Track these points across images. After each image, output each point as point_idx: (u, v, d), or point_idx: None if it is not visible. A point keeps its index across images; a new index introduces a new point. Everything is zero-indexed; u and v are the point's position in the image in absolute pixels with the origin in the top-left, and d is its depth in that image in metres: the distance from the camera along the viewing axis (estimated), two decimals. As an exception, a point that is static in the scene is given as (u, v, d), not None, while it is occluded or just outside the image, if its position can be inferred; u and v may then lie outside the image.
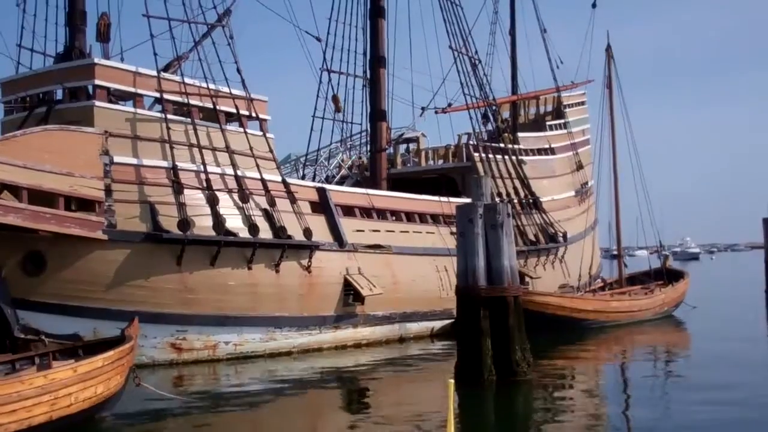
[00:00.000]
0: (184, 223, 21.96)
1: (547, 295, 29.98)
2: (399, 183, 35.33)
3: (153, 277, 21.71)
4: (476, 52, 38.39)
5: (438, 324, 29.45)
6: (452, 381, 11.52)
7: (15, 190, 19.28)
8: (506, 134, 38.28)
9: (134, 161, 22.07)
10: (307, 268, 25.01)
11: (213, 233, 22.59)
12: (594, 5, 43.55)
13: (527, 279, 32.49)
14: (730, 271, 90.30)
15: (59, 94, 22.81)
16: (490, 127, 39.21)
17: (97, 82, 22.08)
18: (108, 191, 21.16)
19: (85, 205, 20.74)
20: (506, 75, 46.79)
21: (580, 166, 46.75)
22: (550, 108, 49.55)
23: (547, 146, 44.11)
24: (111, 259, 21.11)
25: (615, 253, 38.76)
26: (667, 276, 38.15)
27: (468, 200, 24.83)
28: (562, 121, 47.64)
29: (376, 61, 34.72)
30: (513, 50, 47.00)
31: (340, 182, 35.70)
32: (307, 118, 35.06)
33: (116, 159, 21.57)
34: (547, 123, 47.24)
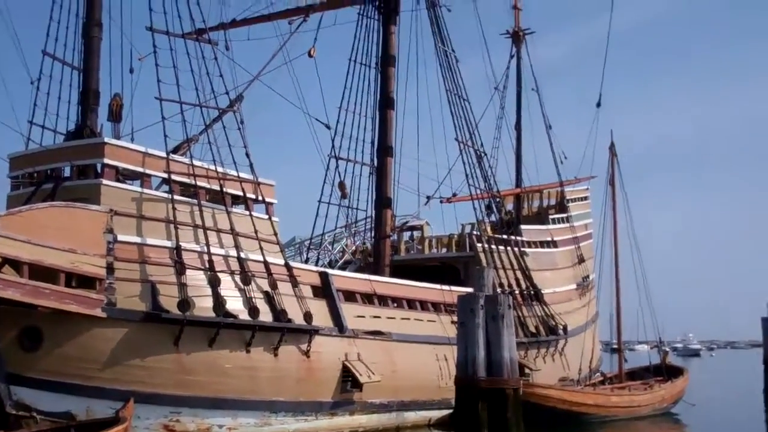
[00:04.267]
0: (184, 304, 21.90)
1: (548, 388, 29.70)
2: (402, 270, 35.31)
3: (150, 357, 21.52)
4: (482, 144, 38.86)
5: (436, 414, 29.08)
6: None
7: (16, 264, 19.27)
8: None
9: (138, 240, 22.13)
10: (306, 353, 24.84)
11: (213, 314, 22.51)
12: (598, 105, 44.26)
13: (527, 371, 32.23)
14: (730, 369, 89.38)
15: (67, 172, 23.02)
16: (493, 218, 39.44)
17: (106, 161, 22.27)
18: (110, 269, 21.15)
19: (86, 282, 20.68)
20: (511, 168, 47.47)
21: (581, 260, 46.83)
22: (553, 202, 49.97)
23: (549, 239, 44.29)
24: (108, 338, 20.95)
25: (615, 346, 38.53)
26: (667, 372, 37.90)
27: (470, 290, 24.87)
28: (565, 215, 47.97)
29: (384, 150, 35.20)
30: (518, 144, 47.97)
31: (343, 267, 35.70)
32: (313, 203, 35.32)
33: (120, 237, 21.63)
34: (550, 216, 47.54)
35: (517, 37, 49.72)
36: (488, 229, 37.99)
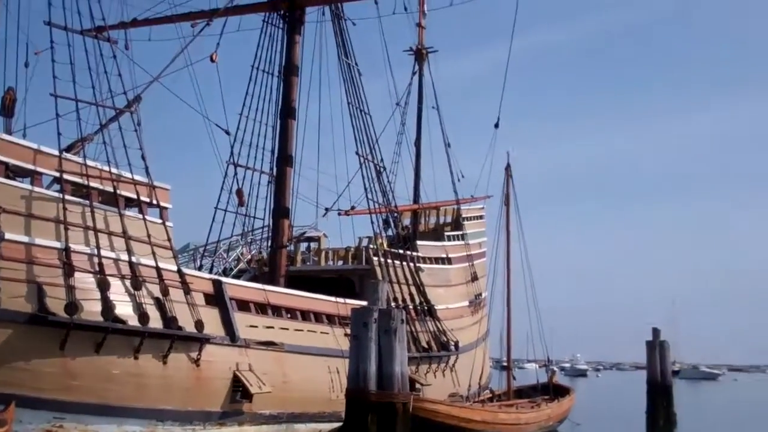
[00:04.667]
0: (71, 307, 21.31)
1: (437, 403, 29.96)
2: (297, 281, 35.17)
3: (34, 360, 20.85)
4: (382, 159, 39.12)
5: (326, 426, 29.01)
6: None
7: None
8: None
9: (25, 239, 21.41)
10: (196, 361, 24.45)
11: (101, 319, 21.97)
12: (497, 125, 45.07)
13: (418, 386, 32.47)
14: (615, 389, 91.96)
15: (-47, 165, 22.17)
16: (390, 233, 39.74)
17: (-4, 156, 21.58)
18: (-6, 268, 20.46)
19: (-31, 281, 19.98)
20: (409, 184, 47.93)
21: (475, 278, 47.62)
22: (449, 219, 50.74)
23: (444, 256, 44.88)
24: (-9, 339, 20.27)
25: (505, 364, 39.23)
26: (554, 391, 38.75)
27: (364, 303, 24.95)
28: (460, 232, 48.72)
29: (284, 159, 35.00)
30: (417, 161, 48.54)
31: (238, 276, 35.35)
32: (209, 210, 34.88)
33: (7, 236, 20.90)
34: (446, 233, 48.25)
35: (420, 54, 50.39)
36: (384, 243, 38.25)
